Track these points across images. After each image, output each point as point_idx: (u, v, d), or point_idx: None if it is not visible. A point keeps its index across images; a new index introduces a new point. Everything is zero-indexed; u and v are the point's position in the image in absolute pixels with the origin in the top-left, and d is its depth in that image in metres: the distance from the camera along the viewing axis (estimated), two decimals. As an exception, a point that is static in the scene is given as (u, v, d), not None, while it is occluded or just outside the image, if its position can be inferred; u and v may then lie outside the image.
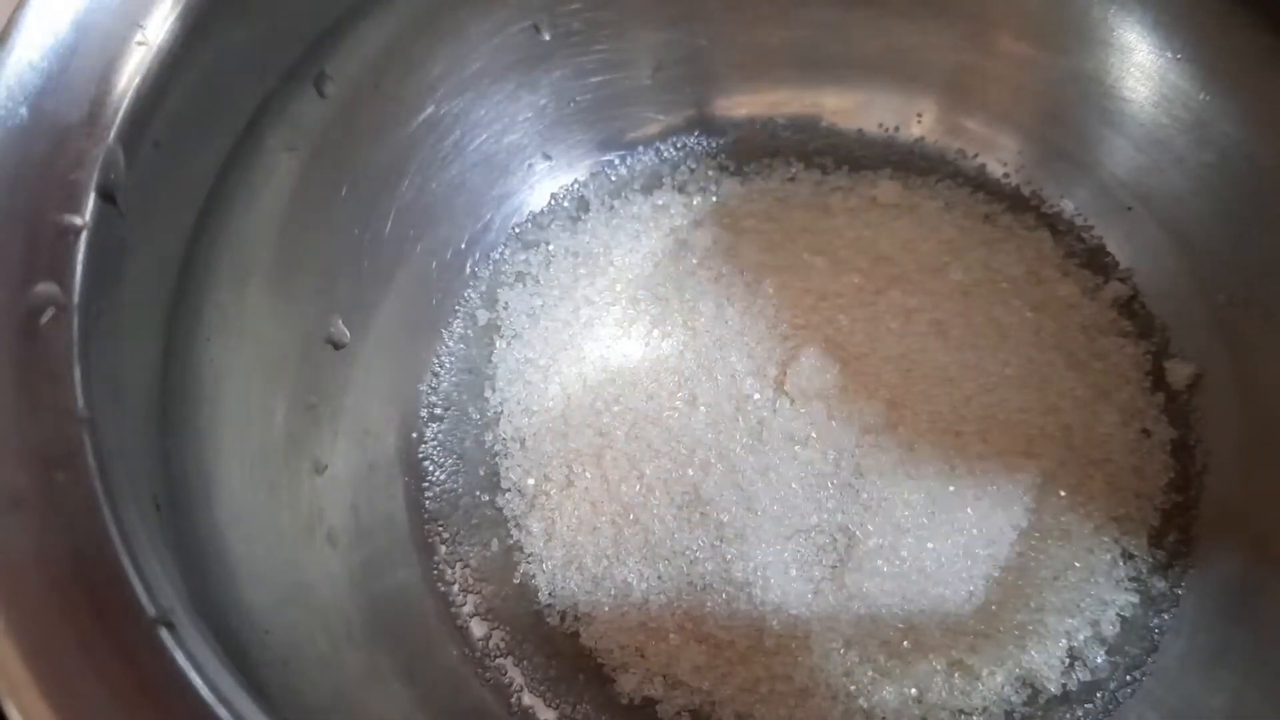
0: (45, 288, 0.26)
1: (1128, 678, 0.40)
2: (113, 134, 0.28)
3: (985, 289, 0.45)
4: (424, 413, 0.46)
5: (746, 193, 0.50)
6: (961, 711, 0.39)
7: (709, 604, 0.40)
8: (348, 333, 0.42)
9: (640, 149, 0.51)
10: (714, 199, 0.50)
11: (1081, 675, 0.40)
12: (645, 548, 0.41)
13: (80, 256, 0.27)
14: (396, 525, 0.44)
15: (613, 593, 0.42)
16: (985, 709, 0.39)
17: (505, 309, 0.48)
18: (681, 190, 0.50)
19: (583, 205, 0.50)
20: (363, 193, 0.42)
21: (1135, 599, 0.41)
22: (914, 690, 0.39)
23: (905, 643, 0.39)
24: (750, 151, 0.51)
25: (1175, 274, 0.45)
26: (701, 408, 0.43)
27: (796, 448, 0.41)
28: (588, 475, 0.43)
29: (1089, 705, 0.39)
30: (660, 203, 0.50)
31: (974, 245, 0.47)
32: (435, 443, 0.46)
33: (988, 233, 0.48)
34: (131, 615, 0.24)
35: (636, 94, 0.50)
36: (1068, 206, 0.48)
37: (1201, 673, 0.38)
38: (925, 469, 0.40)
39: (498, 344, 0.47)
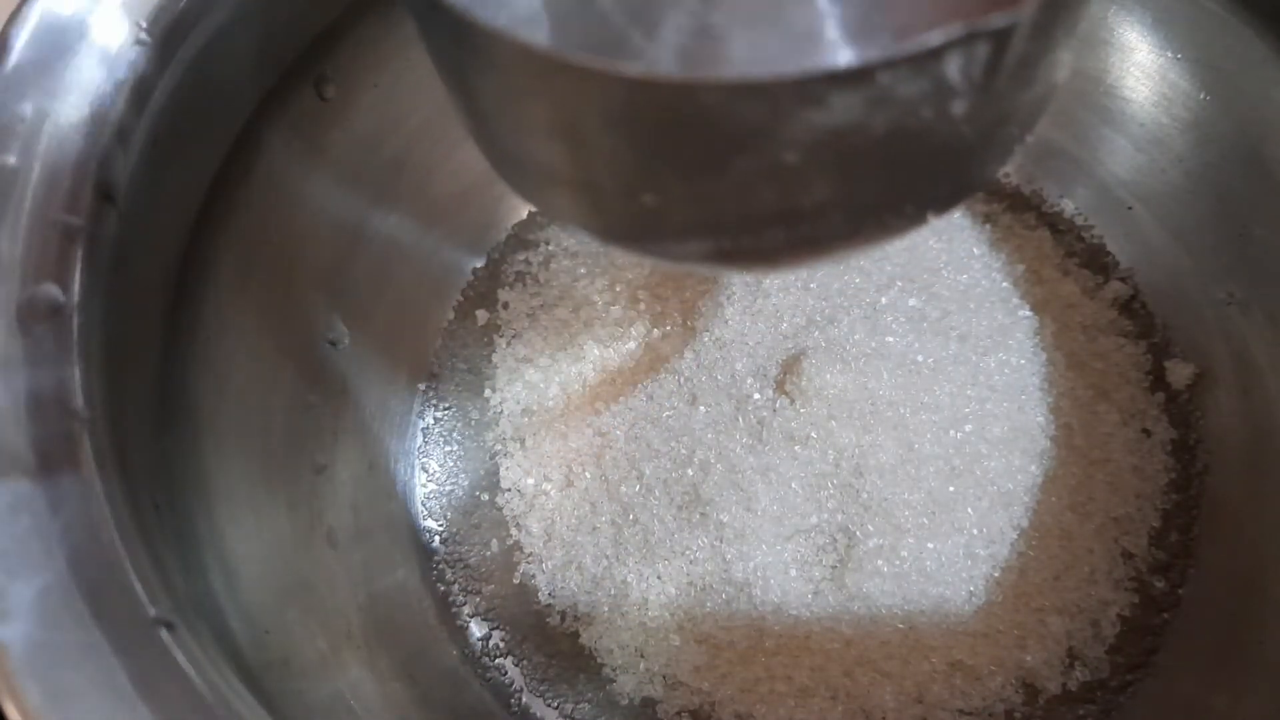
0: (45, 288, 0.26)
1: (1128, 678, 0.40)
2: (112, 134, 0.28)
3: (985, 289, 0.45)
4: (424, 412, 0.46)
5: (747, 193, 0.50)
6: (962, 711, 0.39)
7: (709, 604, 0.40)
8: (348, 332, 0.42)
9: (641, 148, 0.51)
10: (714, 199, 0.50)
11: (1081, 675, 0.40)
12: (645, 548, 0.41)
13: (80, 256, 0.27)
14: (396, 525, 0.44)
15: (612, 593, 0.42)
16: (985, 709, 0.39)
17: (505, 309, 0.48)
18: (682, 190, 0.50)
19: (583, 205, 0.50)
20: (362, 193, 0.42)
21: (1135, 599, 0.41)
22: (914, 690, 0.39)
23: (905, 643, 0.39)
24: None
25: (1175, 274, 0.45)
26: (701, 408, 0.43)
27: (796, 448, 0.41)
28: (587, 475, 0.43)
29: (1089, 705, 0.39)
30: (660, 203, 0.50)
31: (974, 245, 0.47)
32: (435, 443, 0.46)
33: (988, 232, 0.48)
34: (131, 615, 0.24)
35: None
36: (1068, 206, 0.48)
37: (1201, 673, 0.38)
38: (925, 469, 0.40)
39: (498, 344, 0.47)
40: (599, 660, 0.42)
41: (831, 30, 0.18)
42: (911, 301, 0.44)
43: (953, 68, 0.17)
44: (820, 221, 0.21)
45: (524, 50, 0.19)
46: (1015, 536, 0.41)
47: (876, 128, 0.18)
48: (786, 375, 0.42)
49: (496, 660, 0.42)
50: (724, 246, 0.22)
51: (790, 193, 0.20)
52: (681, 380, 0.44)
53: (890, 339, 0.43)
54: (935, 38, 0.17)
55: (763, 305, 0.44)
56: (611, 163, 0.21)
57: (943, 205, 0.22)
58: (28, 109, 0.27)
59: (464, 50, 0.21)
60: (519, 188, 0.25)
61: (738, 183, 0.20)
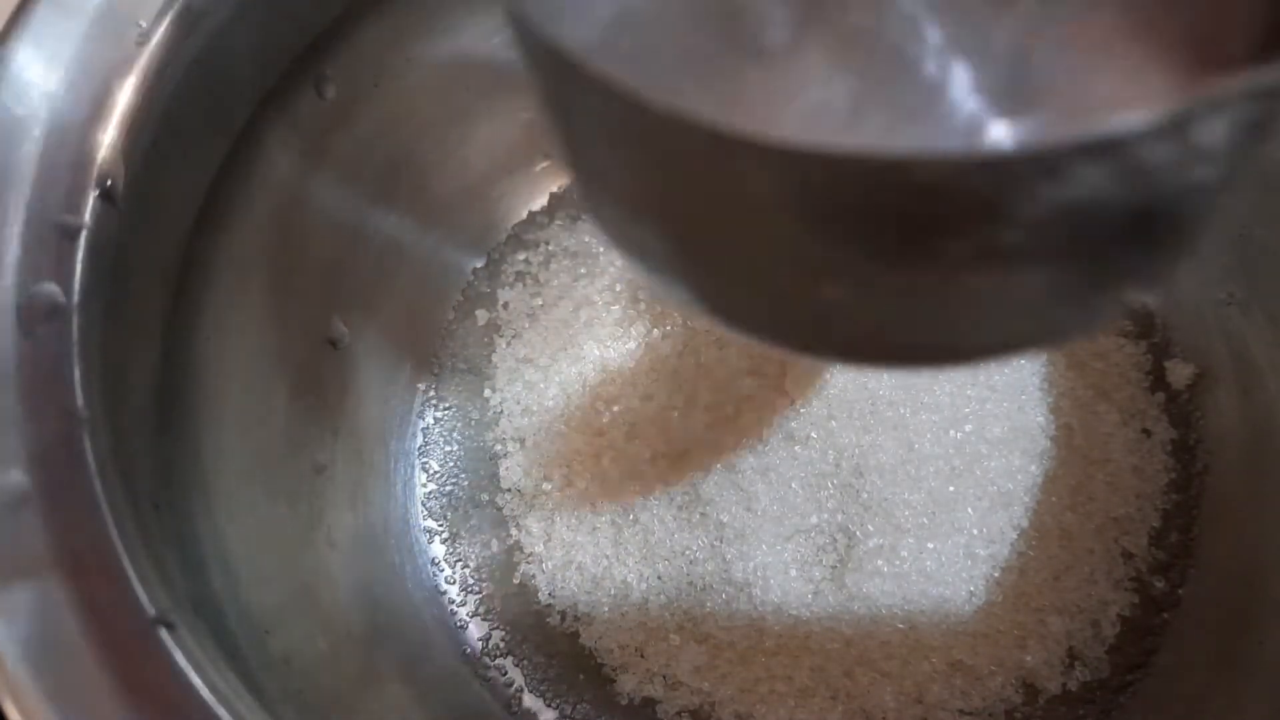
0: (45, 288, 0.26)
1: (1128, 678, 0.40)
2: (112, 134, 0.28)
3: (985, 289, 0.45)
4: (424, 412, 0.46)
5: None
6: (962, 711, 0.39)
7: (709, 604, 0.40)
8: (347, 332, 0.42)
9: (641, 148, 0.51)
10: (714, 199, 0.50)
11: (1081, 675, 0.40)
12: (645, 548, 0.41)
13: (80, 256, 0.27)
14: (396, 525, 0.44)
15: (612, 593, 0.42)
16: (985, 709, 0.39)
17: (505, 309, 0.48)
18: (681, 190, 0.50)
19: (583, 205, 0.50)
20: (363, 193, 0.42)
21: (1135, 599, 0.41)
22: (914, 690, 0.39)
23: (905, 643, 0.39)
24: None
25: (1175, 274, 0.45)
26: (701, 408, 0.43)
27: (796, 448, 0.41)
28: (587, 475, 0.43)
29: (1089, 705, 0.39)
30: (660, 202, 0.50)
31: (974, 245, 0.47)
32: (435, 443, 0.46)
33: (988, 233, 0.48)
34: (131, 615, 0.24)
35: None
36: (1068, 206, 0.48)
37: (1201, 673, 0.38)
38: (925, 469, 0.40)
39: (498, 344, 0.47)
40: (599, 660, 0.42)
41: (991, 99, 0.16)
42: (911, 301, 0.44)
43: (1207, 134, 0.15)
44: (1024, 313, 0.19)
45: (699, 129, 0.15)
46: (1015, 536, 0.41)
47: (1114, 202, 0.16)
48: (786, 375, 0.42)
49: (496, 660, 0.42)
50: (892, 344, 0.19)
51: (1001, 282, 0.17)
52: (681, 380, 0.44)
53: (890, 339, 0.43)
54: (1196, 102, 0.14)
55: (763, 305, 0.44)
56: (774, 251, 0.18)
57: (1155, 282, 0.20)
58: (27, 109, 0.27)
59: (611, 121, 0.18)
60: (641, 268, 0.22)
61: (940, 273, 0.17)
